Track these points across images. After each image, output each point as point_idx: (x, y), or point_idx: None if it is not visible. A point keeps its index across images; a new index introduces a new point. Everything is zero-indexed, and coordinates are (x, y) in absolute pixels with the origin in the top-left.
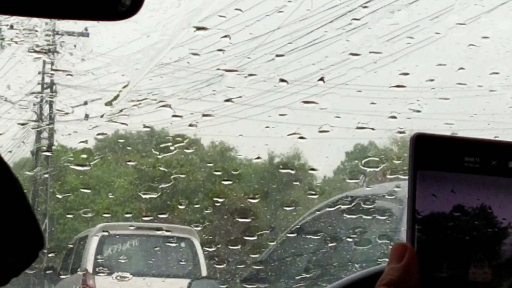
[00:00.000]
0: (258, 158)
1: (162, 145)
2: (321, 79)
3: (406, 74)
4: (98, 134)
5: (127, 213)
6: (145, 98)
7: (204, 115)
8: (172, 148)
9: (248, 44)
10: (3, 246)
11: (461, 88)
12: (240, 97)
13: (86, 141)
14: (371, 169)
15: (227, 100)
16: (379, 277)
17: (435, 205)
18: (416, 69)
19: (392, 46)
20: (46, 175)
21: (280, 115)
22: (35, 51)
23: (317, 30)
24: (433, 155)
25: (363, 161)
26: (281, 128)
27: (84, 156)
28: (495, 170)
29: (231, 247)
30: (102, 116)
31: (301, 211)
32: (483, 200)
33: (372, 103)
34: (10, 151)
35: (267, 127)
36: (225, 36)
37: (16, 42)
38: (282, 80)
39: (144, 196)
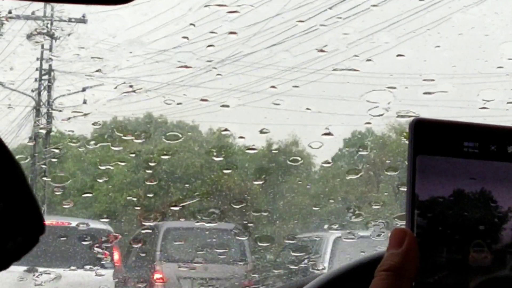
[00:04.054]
0: (252, 149)
1: (160, 130)
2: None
3: (402, 55)
4: (93, 124)
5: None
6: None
7: (202, 100)
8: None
9: (246, 31)
10: (4, 231)
11: (461, 75)
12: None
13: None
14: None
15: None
16: (379, 263)
17: (434, 190)
18: (415, 55)
19: (392, 32)
20: (44, 161)
21: (274, 103)
22: (33, 37)
23: (316, 16)
24: (432, 140)
25: None
26: (279, 115)
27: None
28: (495, 155)
29: None
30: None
31: (300, 198)
32: (483, 185)
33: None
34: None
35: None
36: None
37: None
38: None
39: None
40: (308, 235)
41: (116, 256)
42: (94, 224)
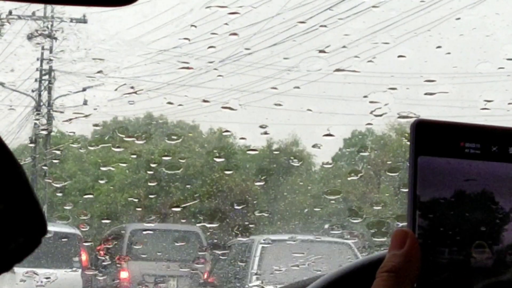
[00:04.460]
0: (253, 150)
1: (161, 130)
2: None
3: (403, 56)
4: (94, 125)
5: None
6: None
7: (204, 101)
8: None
9: (247, 31)
10: (6, 232)
11: (461, 75)
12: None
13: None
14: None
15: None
16: (380, 264)
17: (436, 191)
18: (416, 56)
19: (393, 33)
20: (45, 161)
21: (276, 104)
22: (34, 37)
23: (316, 16)
24: (433, 141)
25: None
26: (280, 115)
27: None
28: (496, 155)
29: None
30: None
31: (301, 197)
32: (484, 186)
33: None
34: (8, 137)
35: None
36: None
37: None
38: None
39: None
40: (240, 240)
41: (83, 257)
42: (63, 229)
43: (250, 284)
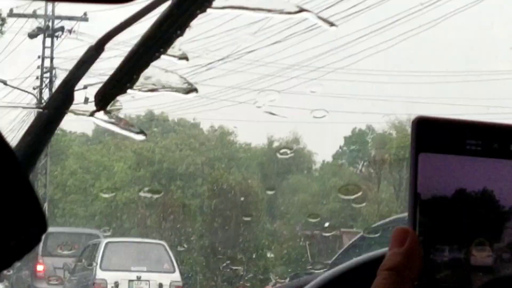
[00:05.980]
0: (254, 147)
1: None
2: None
3: (405, 54)
4: (94, 122)
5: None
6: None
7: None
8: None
9: (248, 29)
10: (6, 230)
11: (463, 73)
12: None
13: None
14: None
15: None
16: (381, 262)
17: (436, 188)
18: (419, 54)
19: (395, 31)
20: (45, 160)
21: (275, 104)
22: (35, 36)
23: (317, 15)
24: (434, 138)
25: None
26: (281, 112)
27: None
28: (497, 152)
29: None
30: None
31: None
32: (485, 183)
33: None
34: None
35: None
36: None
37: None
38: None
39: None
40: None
41: None
42: None
43: (97, 273)
